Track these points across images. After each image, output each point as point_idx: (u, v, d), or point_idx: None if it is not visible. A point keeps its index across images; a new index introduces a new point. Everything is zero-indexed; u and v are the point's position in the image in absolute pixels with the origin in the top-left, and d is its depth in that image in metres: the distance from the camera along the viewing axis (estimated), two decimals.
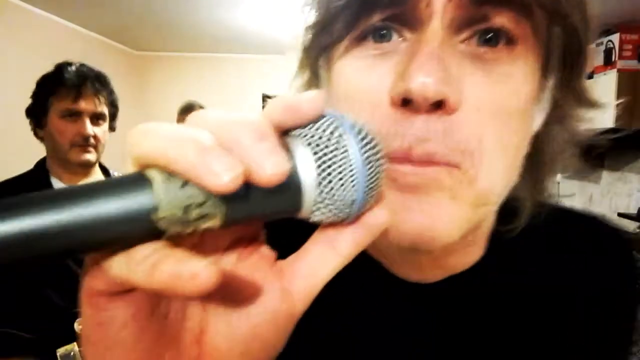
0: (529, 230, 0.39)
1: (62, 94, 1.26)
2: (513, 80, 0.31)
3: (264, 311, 0.23)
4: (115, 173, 1.46)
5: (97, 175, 1.40)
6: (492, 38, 0.31)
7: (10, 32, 3.21)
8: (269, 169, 0.18)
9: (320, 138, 0.21)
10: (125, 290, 0.20)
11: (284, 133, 0.22)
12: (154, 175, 0.18)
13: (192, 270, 0.17)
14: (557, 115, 0.37)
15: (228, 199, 0.19)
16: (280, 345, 0.24)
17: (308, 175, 0.21)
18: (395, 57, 0.32)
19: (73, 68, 1.29)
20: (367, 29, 0.33)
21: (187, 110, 3.46)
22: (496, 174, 0.32)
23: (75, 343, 1.13)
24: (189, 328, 0.23)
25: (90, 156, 1.31)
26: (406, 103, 0.30)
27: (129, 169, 0.19)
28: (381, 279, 0.40)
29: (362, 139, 0.22)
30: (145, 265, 0.18)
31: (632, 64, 2.37)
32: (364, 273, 0.39)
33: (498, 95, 0.31)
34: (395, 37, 0.33)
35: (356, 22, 0.33)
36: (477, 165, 0.31)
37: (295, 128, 0.22)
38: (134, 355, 0.21)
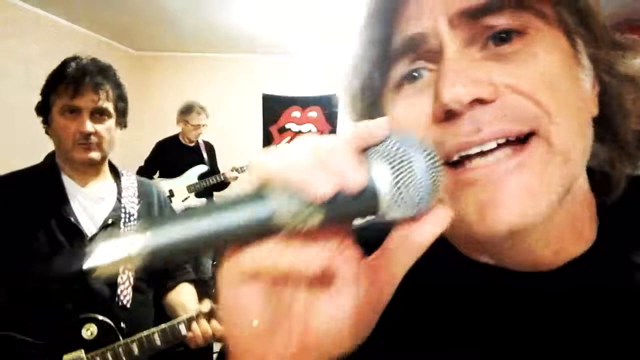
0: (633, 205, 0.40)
1: (61, 90, 1.20)
2: (539, 58, 0.35)
3: (356, 298, 0.29)
4: (124, 172, 1.41)
5: (106, 176, 1.35)
6: (503, 37, 0.35)
7: (9, 32, 3.20)
8: (355, 180, 0.25)
9: (391, 153, 0.27)
10: (251, 277, 0.27)
11: (362, 151, 0.28)
12: (274, 189, 0.25)
13: (307, 258, 0.26)
14: (604, 69, 0.39)
15: (325, 204, 0.25)
16: (369, 327, 0.30)
17: (384, 183, 0.27)
18: (429, 89, 0.37)
19: (74, 63, 1.22)
20: (400, 77, 0.39)
21: (187, 110, 3.45)
22: (566, 129, 0.35)
23: (82, 350, 1.13)
24: (297, 308, 0.29)
25: (94, 154, 1.23)
26: (449, 116, 0.35)
27: (253, 184, 0.26)
28: (491, 274, 0.41)
29: (424, 151, 0.27)
30: (271, 255, 0.25)
31: None
32: (471, 273, 0.42)
33: (531, 74, 0.34)
34: (425, 73, 0.38)
35: (387, 74, 0.40)
36: (547, 125, 0.34)
37: (370, 147, 0.28)
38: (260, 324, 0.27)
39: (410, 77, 0.39)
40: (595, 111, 0.39)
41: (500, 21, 0.35)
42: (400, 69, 0.39)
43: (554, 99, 0.34)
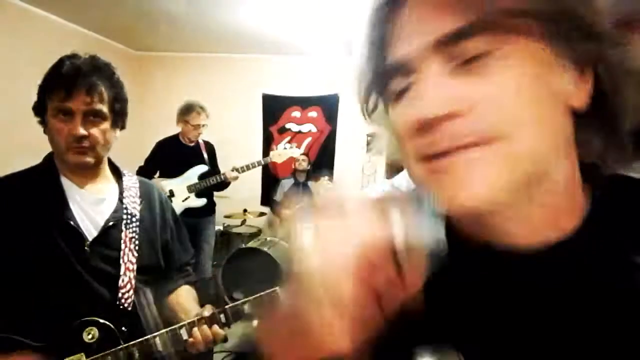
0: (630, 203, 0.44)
1: (54, 91, 1.15)
2: (512, 71, 0.37)
3: (352, 316, 0.33)
4: (125, 172, 1.39)
5: (106, 176, 1.33)
6: (480, 54, 0.38)
7: (9, 32, 3.20)
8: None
9: (409, 212, 0.33)
10: None
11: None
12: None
13: None
14: (600, 64, 0.41)
15: None
16: (362, 339, 0.34)
17: (399, 237, 0.31)
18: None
19: (69, 62, 1.16)
20: (395, 91, 0.44)
21: (187, 110, 3.44)
22: (534, 132, 0.38)
23: (82, 353, 1.13)
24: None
25: (87, 158, 1.19)
26: (426, 128, 0.39)
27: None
28: (472, 251, 0.45)
29: (434, 212, 0.33)
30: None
31: None
32: (465, 252, 0.46)
33: (503, 87, 0.37)
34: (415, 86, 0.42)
35: (385, 89, 0.45)
36: (515, 131, 0.37)
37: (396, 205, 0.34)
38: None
39: (405, 89, 0.43)
40: (577, 104, 0.41)
41: (476, 44, 0.38)
42: (394, 84, 0.44)
43: (524, 108, 0.38)
